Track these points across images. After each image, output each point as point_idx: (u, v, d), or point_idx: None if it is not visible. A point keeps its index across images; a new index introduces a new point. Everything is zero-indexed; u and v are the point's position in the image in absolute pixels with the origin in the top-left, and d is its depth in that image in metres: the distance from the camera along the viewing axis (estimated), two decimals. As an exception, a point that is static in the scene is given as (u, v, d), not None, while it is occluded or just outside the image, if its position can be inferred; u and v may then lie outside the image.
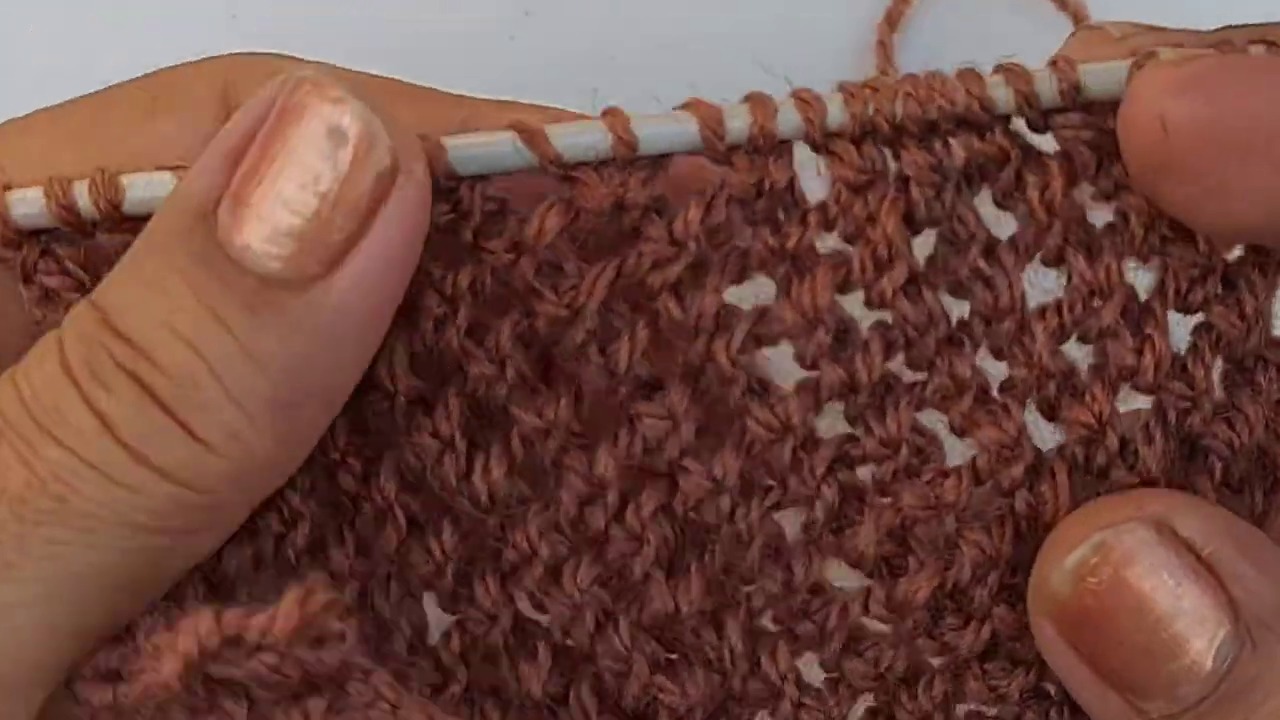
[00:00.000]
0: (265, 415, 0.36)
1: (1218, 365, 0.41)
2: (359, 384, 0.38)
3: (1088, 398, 0.40)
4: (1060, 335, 0.40)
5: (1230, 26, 0.39)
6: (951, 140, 0.39)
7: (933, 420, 0.41)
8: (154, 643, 0.35)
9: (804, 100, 0.38)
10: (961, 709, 0.42)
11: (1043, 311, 0.40)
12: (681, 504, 0.40)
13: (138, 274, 0.36)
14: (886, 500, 0.40)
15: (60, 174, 0.38)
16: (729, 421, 0.40)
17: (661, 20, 0.61)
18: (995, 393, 0.40)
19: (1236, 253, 0.41)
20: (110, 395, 0.35)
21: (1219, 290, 0.40)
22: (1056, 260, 0.40)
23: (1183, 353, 0.40)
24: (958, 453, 0.41)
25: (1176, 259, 0.40)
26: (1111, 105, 0.38)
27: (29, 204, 0.38)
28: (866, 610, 0.41)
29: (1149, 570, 0.38)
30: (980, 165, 0.39)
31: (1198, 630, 0.37)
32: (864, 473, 0.41)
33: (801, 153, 0.39)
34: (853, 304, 0.40)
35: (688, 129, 0.38)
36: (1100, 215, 0.40)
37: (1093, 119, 0.39)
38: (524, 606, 0.41)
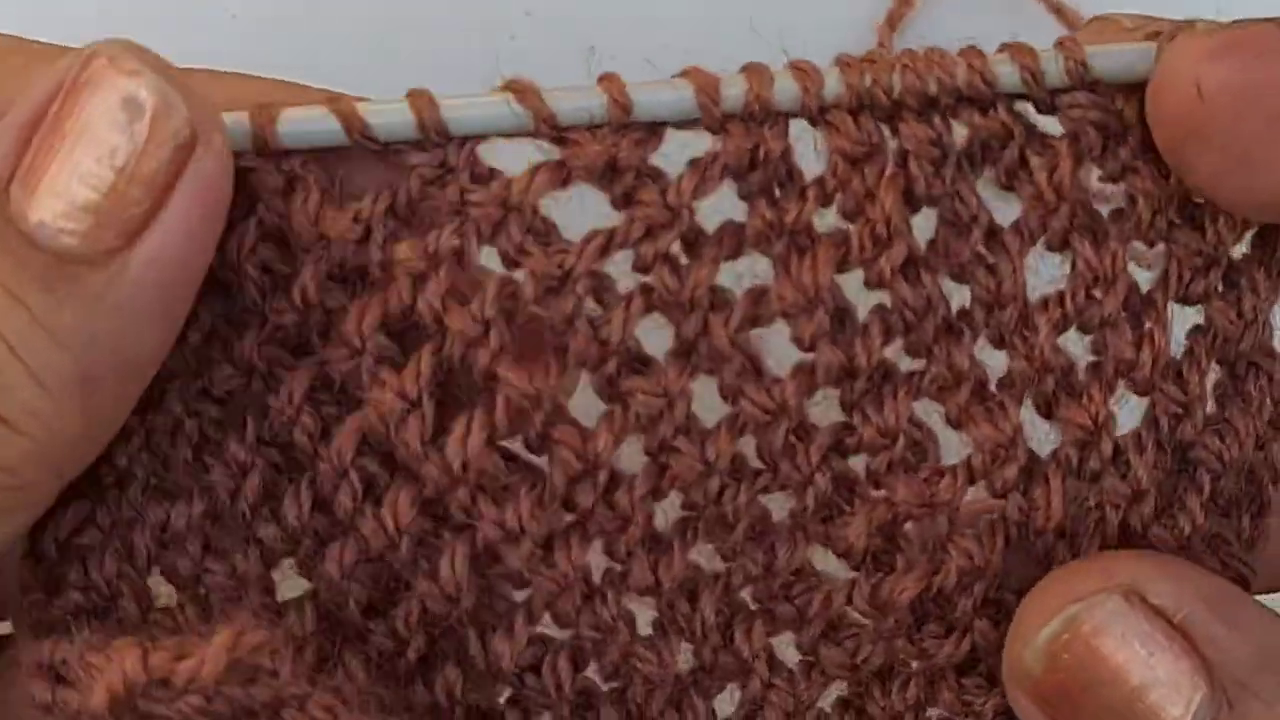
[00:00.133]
0: (67, 392, 0.35)
1: (1212, 375, 0.41)
2: (323, 337, 0.37)
3: (1085, 398, 0.39)
4: (1063, 325, 0.39)
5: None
6: (952, 119, 0.38)
7: (929, 412, 0.40)
8: (90, 660, 0.35)
9: (801, 70, 0.38)
10: (934, 712, 0.42)
11: (1045, 302, 0.39)
12: (670, 485, 0.39)
13: None
14: (880, 493, 0.40)
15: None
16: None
17: (661, 22, 0.62)
18: (993, 388, 0.40)
19: (1242, 249, 0.41)
20: None
21: (1220, 285, 0.40)
22: (1061, 245, 0.39)
23: (1178, 358, 0.40)
24: (953, 449, 0.40)
25: (1182, 246, 0.39)
26: (1120, 88, 0.38)
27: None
28: (849, 602, 0.40)
29: (1121, 642, 0.38)
30: (983, 143, 0.38)
31: (1174, 698, 0.37)
32: (857, 463, 0.40)
33: (803, 152, 0.39)
34: (852, 289, 0.39)
35: (684, 95, 0.37)
36: (1101, 205, 0.40)
37: (1100, 99, 0.38)
38: (496, 582, 0.40)
